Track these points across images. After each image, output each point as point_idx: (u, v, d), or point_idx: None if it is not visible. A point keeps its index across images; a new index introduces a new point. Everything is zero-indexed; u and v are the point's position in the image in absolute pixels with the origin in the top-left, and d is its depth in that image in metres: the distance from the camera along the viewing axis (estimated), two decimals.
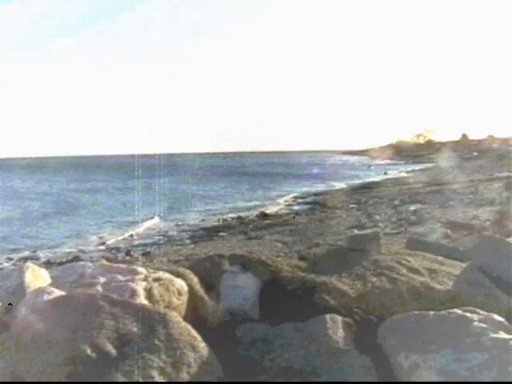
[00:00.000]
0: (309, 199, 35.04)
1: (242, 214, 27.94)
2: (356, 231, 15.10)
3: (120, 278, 5.02)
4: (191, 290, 5.35)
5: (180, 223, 26.02)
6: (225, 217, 27.67)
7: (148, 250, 18.73)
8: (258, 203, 34.44)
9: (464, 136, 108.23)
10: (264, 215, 26.65)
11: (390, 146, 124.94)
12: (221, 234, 21.14)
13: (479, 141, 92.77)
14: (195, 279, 5.60)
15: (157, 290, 4.93)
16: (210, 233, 21.87)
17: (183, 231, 23.43)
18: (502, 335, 4.27)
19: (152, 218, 26.89)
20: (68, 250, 20.37)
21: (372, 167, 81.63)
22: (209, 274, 5.91)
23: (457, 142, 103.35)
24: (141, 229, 24.47)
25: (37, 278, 4.97)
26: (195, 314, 5.11)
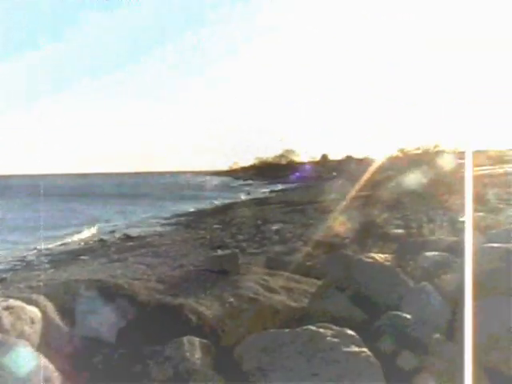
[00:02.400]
0: (173, 220, 34.82)
1: (104, 237, 27.33)
2: (220, 251, 15.17)
3: None
4: (45, 318, 5.17)
5: (39, 247, 25.05)
6: (87, 239, 26.97)
7: (4, 276, 17.84)
8: (120, 226, 33.77)
9: (324, 157, 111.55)
10: (127, 237, 26.19)
11: (253, 166, 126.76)
12: (82, 257, 20.49)
13: (338, 161, 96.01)
14: (50, 306, 5.42)
15: (7, 319, 4.71)
16: (71, 256, 21.12)
17: (43, 255, 22.53)
18: (354, 348, 4.46)
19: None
20: None
21: (235, 187, 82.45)
22: (64, 300, 5.73)
23: (317, 163, 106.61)
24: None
25: None
26: (50, 342, 4.94)
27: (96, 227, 32.19)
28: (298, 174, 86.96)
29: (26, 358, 3.95)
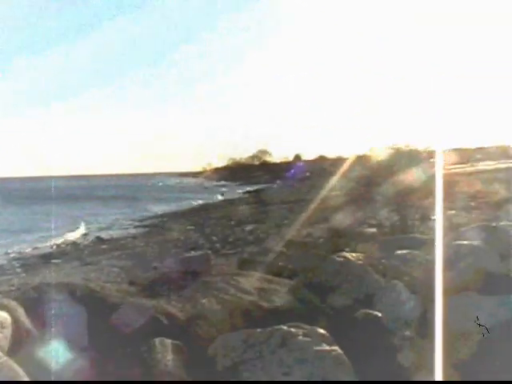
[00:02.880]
0: (146, 222, 34.58)
1: (77, 240, 27.09)
2: (193, 253, 15.13)
3: None
4: (16, 323, 5.11)
5: (10, 251, 24.71)
6: (58, 243, 26.67)
7: None
8: (93, 229, 33.47)
9: (297, 157, 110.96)
10: (100, 240, 25.94)
11: (226, 167, 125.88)
12: (54, 261, 20.29)
13: (311, 161, 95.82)
14: (21, 311, 5.36)
15: None
16: (43, 260, 20.88)
17: (14, 259, 22.23)
18: (325, 347, 4.50)
19: None
20: None
21: (209, 188, 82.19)
22: (36, 304, 5.68)
23: (290, 163, 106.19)
24: None
25: None
26: (21, 347, 4.89)
27: (69, 230, 31.87)
28: (272, 174, 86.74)
29: None
